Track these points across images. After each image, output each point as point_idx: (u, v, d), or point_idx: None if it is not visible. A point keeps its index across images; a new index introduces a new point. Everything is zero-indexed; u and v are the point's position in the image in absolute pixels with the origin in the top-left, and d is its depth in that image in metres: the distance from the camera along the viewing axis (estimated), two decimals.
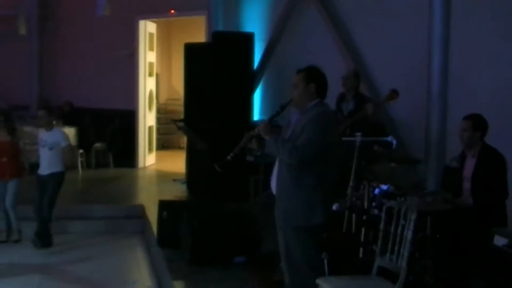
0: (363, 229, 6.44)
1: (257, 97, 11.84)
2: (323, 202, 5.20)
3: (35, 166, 9.32)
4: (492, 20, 7.63)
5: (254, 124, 10.45)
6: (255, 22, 12.03)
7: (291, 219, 5.21)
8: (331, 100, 5.37)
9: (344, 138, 7.48)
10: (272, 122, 5.43)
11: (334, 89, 7.96)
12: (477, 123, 6.19)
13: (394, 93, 7.59)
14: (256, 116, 11.71)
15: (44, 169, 8.96)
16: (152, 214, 8.91)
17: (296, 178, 5.14)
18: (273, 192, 5.45)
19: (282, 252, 5.41)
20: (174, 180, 12.59)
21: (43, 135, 9.08)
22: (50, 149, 8.88)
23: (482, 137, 6.21)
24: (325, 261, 5.56)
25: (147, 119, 14.80)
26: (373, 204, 6.48)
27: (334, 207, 6.88)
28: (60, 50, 16.11)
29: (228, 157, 5.37)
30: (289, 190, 5.18)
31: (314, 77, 5.26)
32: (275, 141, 5.14)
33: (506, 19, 7.47)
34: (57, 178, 8.92)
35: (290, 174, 5.17)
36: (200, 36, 14.04)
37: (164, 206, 7.95)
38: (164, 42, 17.94)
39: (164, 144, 18.03)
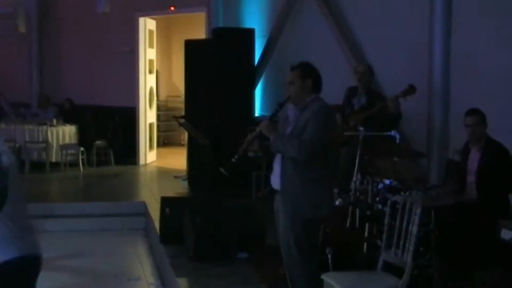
0: (367, 224, 6.42)
1: (258, 93, 11.80)
2: (330, 194, 5.25)
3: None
4: (495, 12, 7.58)
5: (256, 120, 10.43)
6: (255, 18, 11.99)
7: (299, 213, 5.17)
8: (327, 95, 5.32)
9: (346, 133, 7.46)
10: (273, 120, 5.41)
11: (337, 84, 7.96)
12: (483, 116, 6.18)
13: (412, 89, 7.50)
14: (257, 112, 11.67)
15: None
16: (154, 211, 8.87)
17: (301, 172, 5.11)
18: (274, 188, 5.40)
19: (283, 246, 5.36)
20: (176, 176, 12.55)
21: None
22: None
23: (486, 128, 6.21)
24: (329, 256, 5.53)
25: (148, 116, 14.76)
26: (377, 199, 6.46)
27: (338, 202, 6.88)
28: (60, 47, 16.08)
29: (233, 160, 5.32)
30: (296, 185, 5.14)
31: (310, 73, 5.26)
32: (280, 138, 5.12)
33: (508, 11, 7.42)
34: None
35: (295, 169, 5.13)
36: (200, 32, 13.99)
37: (166, 202, 7.90)
38: (164, 39, 17.89)
39: (164, 141, 18.01)
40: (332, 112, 5.33)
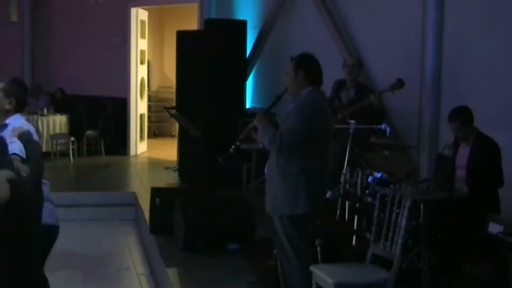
0: (356, 217, 6.45)
1: (249, 84, 11.79)
2: (308, 191, 5.07)
3: None
4: (487, 7, 7.58)
5: (247, 112, 10.44)
6: (247, 10, 11.97)
7: (277, 208, 5.19)
8: (327, 88, 5.32)
9: (337, 126, 7.47)
10: (269, 112, 5.42)
11: (330, 77, 7.96)
12: (464, 118, 6.15)
13: (399, 83, 7.52)
14: (249, 103, 11.67)
15: None
16: (145, 202, 8.87)
17: (281, 167, 5.10)
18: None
19: (274, 238, 5.39)
20: (166, 167, 12.56)
21: None
22: None
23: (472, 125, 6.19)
24: (318, 248, 5.55)
25: (139, 107, 14.74)
26: (367, 191, 6.47)
27: (328, 195, 6.90)
28: (52, 37, 16.03)
29: (231, 150, 5.35)
30: (276, 179, 5.16)
31: (302, 65, 5.21)
32: (262, 129, 5.12)
33: (500, 6, 7.43)
34: None
35: (277, 163, 5.15)
36: (192, 23, 13.97)
37: (156, 193, 7.90)
38: (156, 29, 17.85)
39: (155, 132, 17.98)
40: (319, 106, 5.24)
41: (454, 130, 6.21)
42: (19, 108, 4.83)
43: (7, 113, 4.76)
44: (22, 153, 4.15)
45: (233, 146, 5.37)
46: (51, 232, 5.02)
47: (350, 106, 7.86)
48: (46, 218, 4.68)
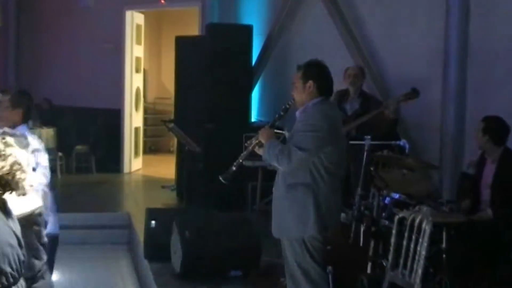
0: (372, 242, 6.43)
1: (255, 96, 11.81)
2: (319, 211, 5.08)
3: None
4: None
5: (252, 126, 10.44)
6: (253, 14, 12.01)
7: (285, 230, 5.19)
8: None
9: (351, 142, 7.47)
10: (274, 126, 5.42)
11: (343, 86, 8.00)
12: (487, 126, 6.16)
13: (414, 93, 7.53)
14: (254, 116, 11.68)
15: None
16: (139, 224, 8.88)
17: (289, 185, 5.11)
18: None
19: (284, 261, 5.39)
20: (163, 186, 12.56)
21: None
22: None
23: (496, 142, 6.17)
24: (330, 276, 5.54)
25: (134, 119, 14.76)
26: (383, 214, 6.46)
27: (341, 217, 6.88)
28: (40, 43, 16.07)
29: (233, 168, 5.36)
30: (283, 198, 5.17)
31: (312, 74, 5.21)
32: (268, 147, 5.13)
33: None
34: None
35: (284, 180, 5.16)
36: (193, 28, 14.03)
37: (152, 214, 7.90)
38: (153, 35, 17.92)
39: (152, 148, 18.02)
40: (333, 117, 5.26)
41: (475, 130, 6.25)
42: (26, 118, 5.46)
43: (15, 124, 5.35)
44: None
45: (235, 164, 5.38)
46: (54, 241, 5.74)
47: (356, 119, 7.89)
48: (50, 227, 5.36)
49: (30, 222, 4.24)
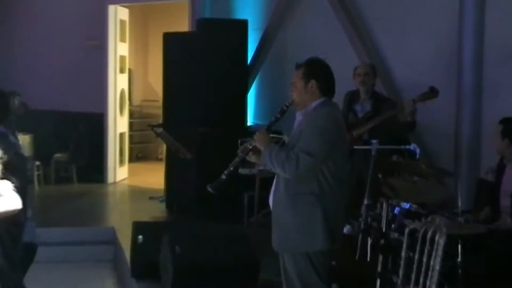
0: (380, 256, 6.44)
1: (251, 97, 11.83)
2: (326, 223, 5.11)
3: None
4: None
5: (249, 130, 10.45)
6: (249, 8, 12.03)
7: (289, 244, 5.20)
8: (335, 99, 5.35)
9: (356, 147, 7.48)
10: (271, 130, 5.43)
11: (347, 86, 8.01)
12: (506, 128, 6.19)
13: (432, 92, 7.53)
14: (251, 120, 11.70)
15: None
16: (125, 239, 8.88)
17: (292, 194, 5.12)
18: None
19: (282, 277, 5.40)
20: (151, 197, 12.57)
21: None
22: None
23: None
24: None
25: (118, 124, 14.76)
26: (393, 225, 6.47)
27: (346, 229, 6.89)
28: (13, 41, 16.03)
29: (223, 177, 5.36)
30: (286, 209, 5.18)
31: (314, 73, 5.24)
32: (269, 153, 5.13)
33: None
34: None
35: (286, 190, 5.16)
36: (182, 24, 14.03)
37: (139, 228, 7.92)
38: (138, 31, 17.95)
39: (138, 155, 18.03)
40: (338, 119, 5.29)
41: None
42: (1, 119, 5.41)
43: None
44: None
45: (225, 172, 5.38)
46: (31, 250, 5.69)
47: (369, 121, 7.89)
48: (26, 235, 5.31)
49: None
